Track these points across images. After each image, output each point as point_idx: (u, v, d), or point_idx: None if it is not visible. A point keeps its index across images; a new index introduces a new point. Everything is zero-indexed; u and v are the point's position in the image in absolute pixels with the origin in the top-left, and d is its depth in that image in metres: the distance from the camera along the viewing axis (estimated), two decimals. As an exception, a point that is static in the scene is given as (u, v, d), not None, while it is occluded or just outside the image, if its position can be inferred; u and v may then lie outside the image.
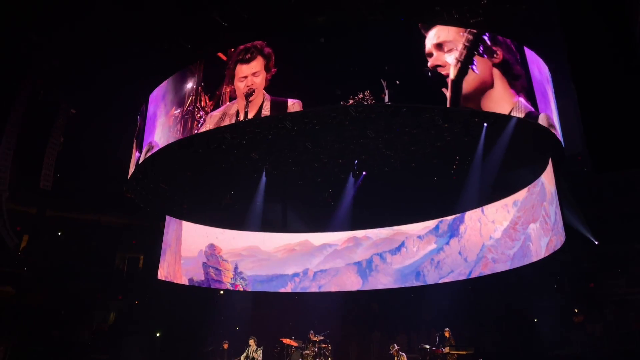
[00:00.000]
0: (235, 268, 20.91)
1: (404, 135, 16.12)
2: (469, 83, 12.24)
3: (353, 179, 18.93)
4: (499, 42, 12.90)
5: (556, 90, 14.34)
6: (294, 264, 21.10)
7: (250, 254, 21.16)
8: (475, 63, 12.30)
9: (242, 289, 20.74)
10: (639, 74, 7.65)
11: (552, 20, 13.79)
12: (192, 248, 20.58)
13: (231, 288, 20.77)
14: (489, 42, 12.75)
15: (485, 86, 12.37)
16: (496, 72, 12.47)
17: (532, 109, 12.69)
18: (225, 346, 16.78)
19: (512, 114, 12.50)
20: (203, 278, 20.43)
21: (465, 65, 12.25)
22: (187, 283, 19.94)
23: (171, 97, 15.97)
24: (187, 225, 20.80)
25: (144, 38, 15.88)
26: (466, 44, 12.39)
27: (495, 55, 12.67)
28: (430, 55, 12.26)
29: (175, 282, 19.71)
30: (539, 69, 13.49)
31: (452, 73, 12.06)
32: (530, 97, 12.82)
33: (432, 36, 12.42)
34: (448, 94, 12.00)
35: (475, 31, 12.64)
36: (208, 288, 20.59)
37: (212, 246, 20.87)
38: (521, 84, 12.76)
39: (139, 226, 24.42)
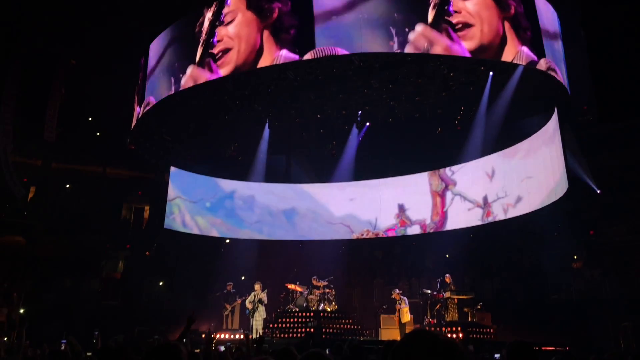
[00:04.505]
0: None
1: (408, 86, 16.00)
2: (485, 35, 12.29)
3: (357, 130, 18.91)
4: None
5: (565, 38, 14.15)
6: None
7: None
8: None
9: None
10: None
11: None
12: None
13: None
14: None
15: (497, 38, 12.41)
16: (507, 25, 12.51)
17: (535, 58, 12.76)
18: (229, 288, 17.11)
19: (514, 62, 12.58)
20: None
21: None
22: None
23: (172, 47, 15.77)
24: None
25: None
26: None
27: (508, 9, 12.69)
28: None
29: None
30: (547, 17, 13.29)
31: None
32: (536, 47, 12.87)
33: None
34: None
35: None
36: (214, 237, 20.89)
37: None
38: (528, 36, 12.84)
39: (144, 178, 24.61)
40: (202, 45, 14.23)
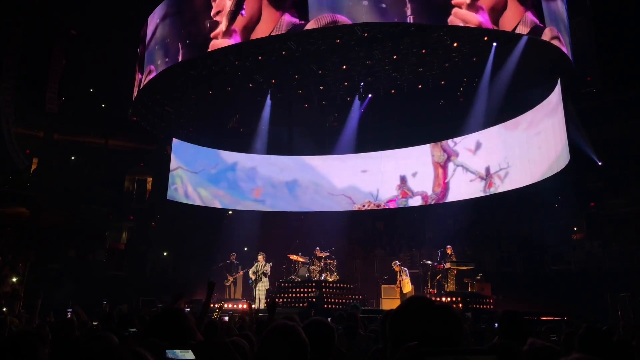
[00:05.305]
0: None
1: (411, 56, 15.85)
2: (484, 2, 12.11)
3: (359, 101, 18.80)
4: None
5: (570, 10, 13.97)
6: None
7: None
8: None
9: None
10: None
11: None
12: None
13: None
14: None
15: (499, 7, 12.18)
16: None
17: (538, 22, 12.59)
18: (232, 258, 17.22)
19: (517, 28, 12.38)
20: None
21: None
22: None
23: (171, 18, 15.56)
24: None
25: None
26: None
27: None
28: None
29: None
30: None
31: None
32: (539, 13, 12.69)
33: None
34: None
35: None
36: (217, 209, 20.99)
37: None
38: (532, 2, 12.62)
39: (146, 149, 24.62)
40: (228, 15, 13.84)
